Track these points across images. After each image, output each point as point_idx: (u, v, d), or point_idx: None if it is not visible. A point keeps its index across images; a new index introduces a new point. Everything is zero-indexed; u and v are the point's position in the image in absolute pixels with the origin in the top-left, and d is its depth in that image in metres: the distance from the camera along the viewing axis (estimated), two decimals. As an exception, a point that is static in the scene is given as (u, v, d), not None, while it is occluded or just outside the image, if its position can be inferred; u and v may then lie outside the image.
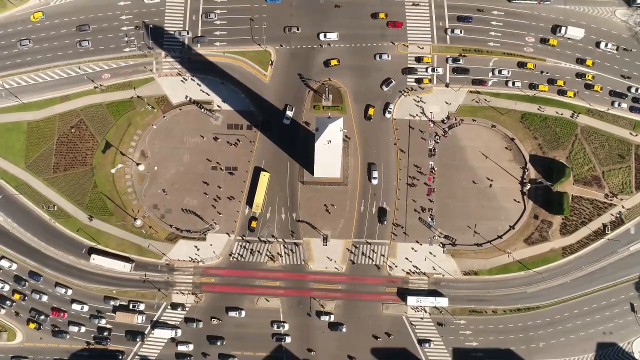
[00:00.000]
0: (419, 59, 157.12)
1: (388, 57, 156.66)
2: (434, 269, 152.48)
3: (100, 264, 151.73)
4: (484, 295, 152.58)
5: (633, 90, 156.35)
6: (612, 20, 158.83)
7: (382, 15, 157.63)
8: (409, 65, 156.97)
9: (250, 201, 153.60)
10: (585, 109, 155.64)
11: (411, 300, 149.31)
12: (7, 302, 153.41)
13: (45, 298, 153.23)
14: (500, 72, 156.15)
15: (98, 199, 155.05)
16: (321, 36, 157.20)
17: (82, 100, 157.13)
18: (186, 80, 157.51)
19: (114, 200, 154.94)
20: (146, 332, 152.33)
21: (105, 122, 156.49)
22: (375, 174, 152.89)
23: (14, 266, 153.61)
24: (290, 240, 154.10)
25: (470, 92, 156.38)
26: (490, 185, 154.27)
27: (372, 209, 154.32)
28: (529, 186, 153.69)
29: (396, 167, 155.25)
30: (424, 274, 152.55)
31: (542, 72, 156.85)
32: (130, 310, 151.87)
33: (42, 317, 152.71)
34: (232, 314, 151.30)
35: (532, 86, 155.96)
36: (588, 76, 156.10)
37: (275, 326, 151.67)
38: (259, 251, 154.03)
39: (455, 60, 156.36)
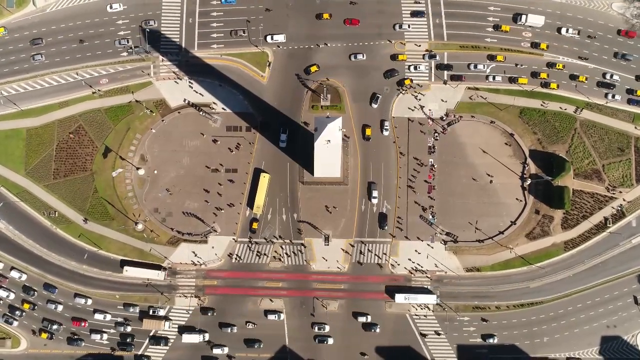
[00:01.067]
0: (393, 57, 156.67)
1: (363, 56, 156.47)
2: (436, 267, 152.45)
3: (134, 275, 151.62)
4: (487, 291, 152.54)
5: (608, 76, 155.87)
6: (609, 13, 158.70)
7: (326, 16, 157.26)
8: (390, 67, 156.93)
9: (250, 203, 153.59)
10: (584, 103, 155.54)
11: (399, 297, 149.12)
12: (17, 312, 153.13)
13: (60, 308, 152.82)
14: (475, 66, 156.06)
15: (99, 204, 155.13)
16: (268, 38, 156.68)
17: (80, 105, 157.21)
18: (184, 83, 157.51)
19: (115, 205, 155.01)
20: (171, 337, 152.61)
21: (104, 127, 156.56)
22: (375, 193, 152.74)
23: (24, 277, 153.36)
24: (291, 241, 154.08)
25: (469, 88, 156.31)
26: (491, 182, 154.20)
27: (372, 207, 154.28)
28: (529, 181, 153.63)
29: (396, 165, 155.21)
30: (427, 271, 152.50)
31: (516, 64, 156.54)
32: (156, 317, 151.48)
33: (55, 326, 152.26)
34: (271, 317, 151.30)
35: (512, 80, 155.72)
36: (559, 65, 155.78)
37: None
38: (259, 252, 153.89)
39: (431, 56, 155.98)
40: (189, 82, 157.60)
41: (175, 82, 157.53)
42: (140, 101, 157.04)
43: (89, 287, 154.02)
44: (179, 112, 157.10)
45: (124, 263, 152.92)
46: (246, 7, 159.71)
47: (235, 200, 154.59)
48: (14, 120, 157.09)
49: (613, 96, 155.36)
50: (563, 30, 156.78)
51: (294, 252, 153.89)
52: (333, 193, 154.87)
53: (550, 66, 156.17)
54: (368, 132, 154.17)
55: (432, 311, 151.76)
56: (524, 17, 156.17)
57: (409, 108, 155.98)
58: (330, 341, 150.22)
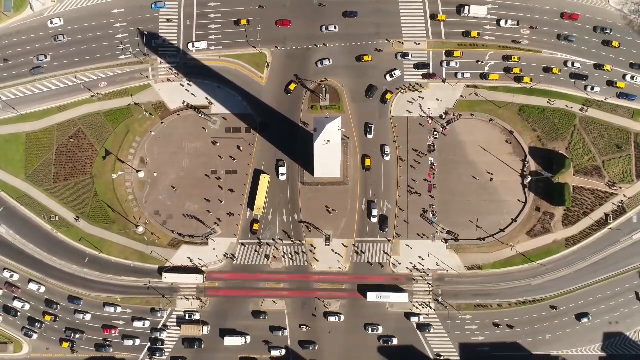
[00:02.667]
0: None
1: (330, 62, 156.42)
2: (438, 265, 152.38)
3: (174, 281, 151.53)
4: (488, 289, 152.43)
5: (569, 64, 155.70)
6: (607, 9, 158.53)
7: None
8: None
9: (251, 204, 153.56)
10: (583, 100, 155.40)
11: (371, 296, 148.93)
12: (37, 324, 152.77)
13: (88, 317, 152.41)
14: (448, 64, 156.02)
15: (99, 207, 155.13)
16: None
17: (79, 109, 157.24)
18: (183, 85, 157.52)
19: (115, 208, 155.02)
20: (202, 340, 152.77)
21: (103, 130, 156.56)
22: (375, 212, 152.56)
23: (42, 289, 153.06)
24: (293, 242, 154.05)
25: (468, 86, 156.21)
26: (491, 179, 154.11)
27: (374, 205, 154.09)
28: (529, 179, 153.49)
29: (396, 165, 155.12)
30: (428, 270, 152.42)
31: (477, 61, 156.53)
32: (194, 322, 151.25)
33: (78, 335, 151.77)
34: (332, 318, 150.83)
35: (483, 76, 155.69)
36: (514, 58, 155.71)
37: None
38: (258, 252, 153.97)
39: (404, 55, 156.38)
40: (188, 84, 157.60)
41: (175, 84, 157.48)
42: (140, 104, 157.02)
43: (89, 291, 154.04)
44: (178, 115, 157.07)
45: (162, 270, 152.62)
46: (243, 8, 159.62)
47: (235, 204, 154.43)
48: (13, 124, 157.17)
49: (592, 88, 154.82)
50: (502, 22, 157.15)
51: (295, 253, 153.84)
52: (333, 193, 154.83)
53: (505, 58, 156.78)
54: (368, 162, 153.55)
55: (434, 310, 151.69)
56: (467, 8, 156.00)
57: (408, 111, 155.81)
58: (395, 341, 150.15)
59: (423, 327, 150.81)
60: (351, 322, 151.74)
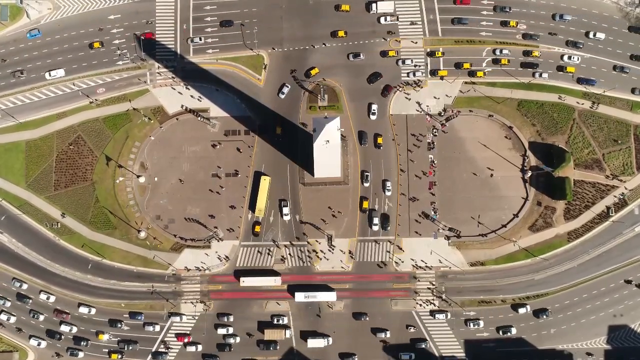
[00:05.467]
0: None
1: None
2: (440, 262, 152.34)
3: (251, 285, 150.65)
4: (492, 285, 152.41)
5: (501, 52, 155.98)
6: (603, 3, 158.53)
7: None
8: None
9: (252, 206, 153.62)
10: (581, 93, 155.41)
11: (299, 296, 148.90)
12: (82, 343, 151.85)
13: (157, 328, 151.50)
14: (404, 62, 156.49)
15: (101, 213, 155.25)
16: (46, 75, 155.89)
17: (78, 116, 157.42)
18: (181, 89, 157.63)
19: (117, 213, 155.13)
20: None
21: (103, 136, 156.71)
22: (376, 220, 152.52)
23: (93, 310, 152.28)
24: (294, 242, 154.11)
25: (466, 83, 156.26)
26: (492, 175, 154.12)
27: (374, 206, 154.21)
28: (530, 173, 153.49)
29: (396, 162, 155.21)
30: (431, 267, 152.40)
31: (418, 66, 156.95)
32: (277, 326, 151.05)
33: (132, 346, 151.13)
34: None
35: (433, 73, 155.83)
36: (438, 54, 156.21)
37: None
38: (260, 253, 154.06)
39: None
40: (186, 88, 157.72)
41: (172, 88, 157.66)
42: (138, 109, 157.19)
43: (93, 297, 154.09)
44: (177, 119, 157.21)
45: (238, 274, 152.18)
46: (240, 10, 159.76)
47: (237, 206, 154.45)
48: (13, 133, 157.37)
49: (540, 74, 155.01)
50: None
51: (297, 254, 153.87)
52: (334, 193, 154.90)
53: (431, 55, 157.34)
54: (380, 140, 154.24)
55: (438, 307, 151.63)
56: (373, 5, 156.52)
57: (406, 109, 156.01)
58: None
59: (427, 325, 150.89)
60: (355, 322, 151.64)
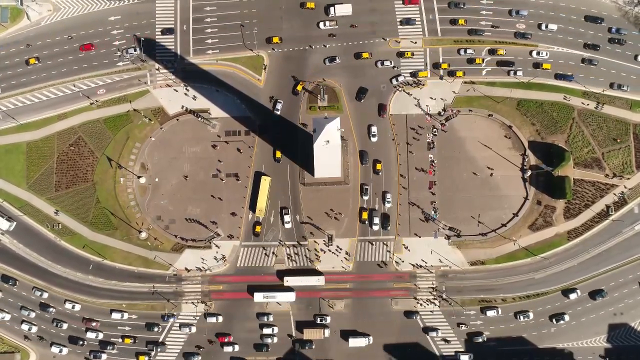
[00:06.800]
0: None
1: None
2: (441, 262, 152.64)
3: (295, 284, 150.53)
4: (492, 284, 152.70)
5: (465, 52, 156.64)
6: (602, 2, 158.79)
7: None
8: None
9: (253, 206, 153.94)
10: (580, 92, 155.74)
11: (257, 296, 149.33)
12: (109, 347, 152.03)
13: (193, 329, 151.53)
14: (382, 63, 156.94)
15: (102, 214, 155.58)
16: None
17: (79, 117, 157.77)
18: (181, 90, 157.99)
19: (118, 214, 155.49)
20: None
21: (103, 137, 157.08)
22: (376, 220, 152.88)
23: (126, 315, 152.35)
24: (295, 242, 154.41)
25: (465, 82, 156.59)
26: (491, 175, 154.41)
27: (375, 205, 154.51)
28: (529, 173, 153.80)
29: (396, 163, 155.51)
30: (431, 267, 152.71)
31: (395, 68, 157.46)
32: (317, 326, 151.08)
33: (160, 347, 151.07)
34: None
35: (413, 75, 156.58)
36: (407, 54, 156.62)
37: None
38: (264, 254, 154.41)
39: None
40: (186, 88, 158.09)
41: (173, 89, 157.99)
42: (139, 110, 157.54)
43: (95, 298, 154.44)
44: (177, 119, 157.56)
45: (281, 274, 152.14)
46: (239, 11, 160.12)
47: (237, 207, 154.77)
48: (13, 134, 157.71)
49: (515, 73, 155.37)
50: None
51: (298, 254, 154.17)
52: (335, 193, 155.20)
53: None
54: (379, 166, 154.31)
55: (439, 307, 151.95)
56: (332, 9, 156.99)
57: (406, 109, 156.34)
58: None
59: (428, 324, 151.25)
60: (406, 320, 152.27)
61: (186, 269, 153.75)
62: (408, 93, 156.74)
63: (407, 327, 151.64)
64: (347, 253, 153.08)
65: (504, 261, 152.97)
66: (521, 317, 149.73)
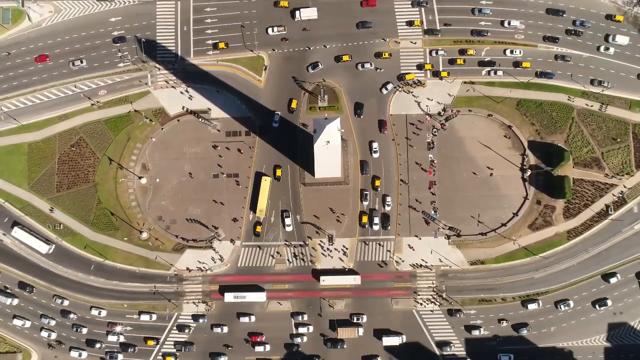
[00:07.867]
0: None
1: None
2: (441, 261, 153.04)
3: (331, 284, 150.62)
4: (492, 284, 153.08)
5: (437, 53, 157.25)
6: (601, 1, 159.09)
7: None
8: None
9: (253, 207, 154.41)
10: (580, 92, 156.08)
11: (228, 296, 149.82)
12: (130, 349, 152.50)
13: (225, 329, 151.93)
14: (363, 65, 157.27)
15: (103, 214, 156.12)
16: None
17: (80, 118, 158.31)
18: (182, 90, 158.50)
19: (119, 214, 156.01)
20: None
21: (104, 138, 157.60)
22: (376, 219, 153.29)
23: (154, 317, 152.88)
24: (296, 242, 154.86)
25: (465, 82, 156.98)
26: (491, 174, 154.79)
27: (375, 205, 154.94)
28: (529, 172, 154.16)
29: (396, 162, 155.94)
30: (431, 267, 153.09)
31: (378, 68, 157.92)
32: (353, 325, 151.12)
33: (188, 347, 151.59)
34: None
35: (400, 78, 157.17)
36: (385, 54, 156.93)
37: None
38: (267, 254, 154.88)
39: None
40: (187, 89, 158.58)
41: (176, 90, 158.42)
42: (139, 110, 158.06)
43: (96, 298, 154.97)
44: (178, 120, 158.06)
45: (316, 273, 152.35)
46: (239, 12, 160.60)
47: (238, 207, 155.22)
48: (15, 135, 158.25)
49: (496, 72, 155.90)
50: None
51: (298, 254, 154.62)
52: (335, 193, 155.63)
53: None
54: (377, 183, 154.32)
55: (439, 306, 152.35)
56: (297, 12, 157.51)
57: (406, 109, 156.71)
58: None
59: (428, 323, 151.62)
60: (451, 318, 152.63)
61: (187, 269, 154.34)
62: (408, 92, 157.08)
63: (407, 326, 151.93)
64: (344, 253, 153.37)
65: (503, 261, 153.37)
66: (530, 306, 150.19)
